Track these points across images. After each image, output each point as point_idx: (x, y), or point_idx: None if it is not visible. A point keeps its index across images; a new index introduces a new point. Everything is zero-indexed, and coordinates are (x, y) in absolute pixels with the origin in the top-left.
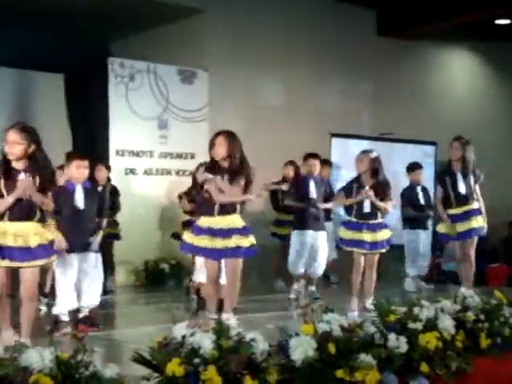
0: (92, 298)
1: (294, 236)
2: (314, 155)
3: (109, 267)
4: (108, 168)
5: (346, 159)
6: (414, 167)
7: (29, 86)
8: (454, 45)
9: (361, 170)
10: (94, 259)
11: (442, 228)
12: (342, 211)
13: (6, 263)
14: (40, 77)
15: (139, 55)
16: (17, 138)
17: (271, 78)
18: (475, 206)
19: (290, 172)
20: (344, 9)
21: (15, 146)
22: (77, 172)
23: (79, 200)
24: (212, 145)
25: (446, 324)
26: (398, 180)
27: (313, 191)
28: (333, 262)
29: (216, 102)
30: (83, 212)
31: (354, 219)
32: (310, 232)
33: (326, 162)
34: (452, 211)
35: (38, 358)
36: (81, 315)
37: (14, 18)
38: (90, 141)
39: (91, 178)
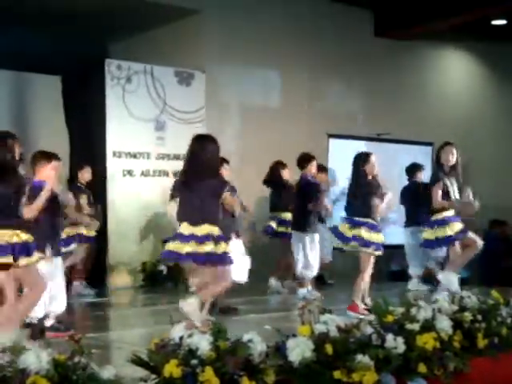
0: (62, 302)
1: (304, 238)
2: (312, 158)
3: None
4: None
5: (343, 159)
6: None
7: (26, 88)
8: (450, 45)
9: (376, 171)
10: (60, 264)
11: (440, 232)
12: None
13: None
14: (37, 79)
15: (136, 57)
16: None
17: (268, 78)
18: None
19: (286, 173)
20: (341, 9)
21: None
22: (52, 173)
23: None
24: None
25: (444, 324)
26: (400, 180)
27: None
28: (327, 263)
29: (213, 103)
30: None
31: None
32: (316, 235)
33: (323, 169)
34: (448, 214)
35: (36, 359)
36: (51, 321)
37: (11, 19)
38: (87, 142)
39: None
